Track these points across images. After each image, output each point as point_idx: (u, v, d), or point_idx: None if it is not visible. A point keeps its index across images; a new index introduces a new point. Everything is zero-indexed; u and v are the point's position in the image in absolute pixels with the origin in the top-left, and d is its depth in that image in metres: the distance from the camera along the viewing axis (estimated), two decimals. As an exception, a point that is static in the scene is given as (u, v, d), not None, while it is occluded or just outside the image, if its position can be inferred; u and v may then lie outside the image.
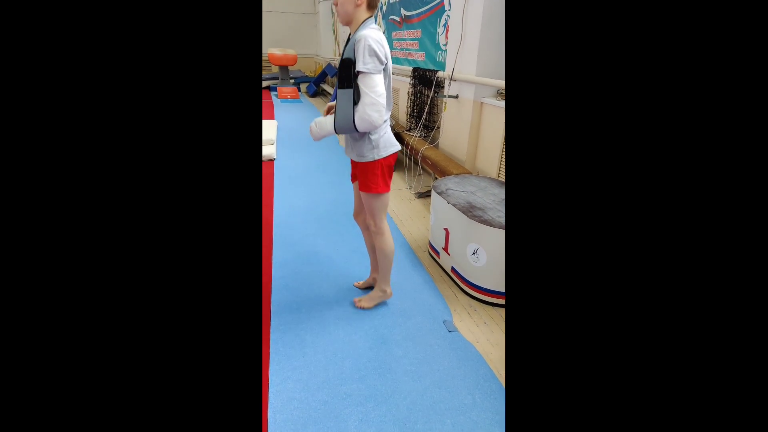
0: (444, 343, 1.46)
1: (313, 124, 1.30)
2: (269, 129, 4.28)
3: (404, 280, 1.84)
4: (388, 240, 1.45)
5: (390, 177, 1.36)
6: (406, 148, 3.30)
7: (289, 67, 9.01)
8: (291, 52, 8.55)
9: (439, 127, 3.14)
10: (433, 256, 2.04)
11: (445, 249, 1.85)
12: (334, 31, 9.02)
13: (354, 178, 1.47)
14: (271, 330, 1.49)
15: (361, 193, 1.38)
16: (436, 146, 3.12)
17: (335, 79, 7.55)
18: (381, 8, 5.35)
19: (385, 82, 1.18)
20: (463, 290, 1.78)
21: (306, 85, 9.05)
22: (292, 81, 9.12)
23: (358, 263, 1.96)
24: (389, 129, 1.32)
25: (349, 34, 1.22)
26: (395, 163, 1.36)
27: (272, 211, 2.57)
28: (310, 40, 11.68)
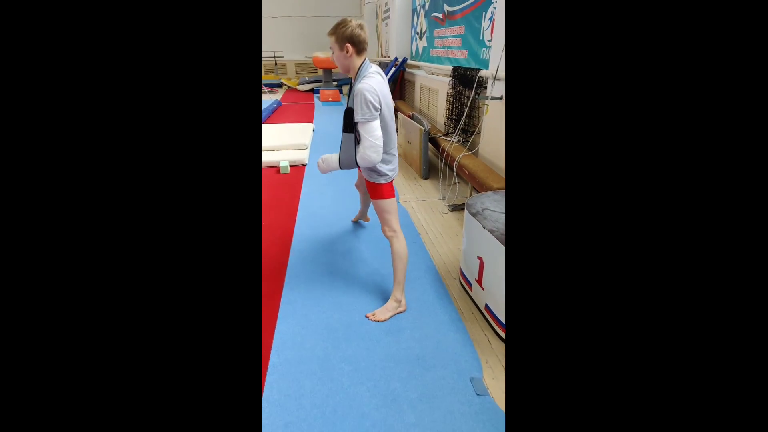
0: (470, 410, 1.17)
1: (320, 160, 1.52)
2: (304, 133, 4.19)
3: (427, 314, 1.57)
4: (403, 242, 1.53)
5: (393, 189, 1.54)
6: (442, 154, 3.01)
7: (333, 70, 9.05)
8: (334, 54, 8.52)
9: (479, 132, 2.82)
10: (464, 286, 1.75)
11: (479, 282, 1.55)
12: (377, 32, 8.90)
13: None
14: (268, 372, 1.30)
15: (372, 201, 1.54)
16: (476, 154, 2.79)
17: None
18: (423, 5, 5.13)
19: (386, 122, 1.37)
20: (499, 335, 1.47)
21: (348, 86, 8.99)
22: (335, 83, 9.14)
23: (375, 291, 1.73)
24: (395, 160, 1.50)
25: (351, 82, 1.39)
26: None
27: (294, 221, 2.42)
28: (355, 42, 11.65)
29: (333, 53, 1.37)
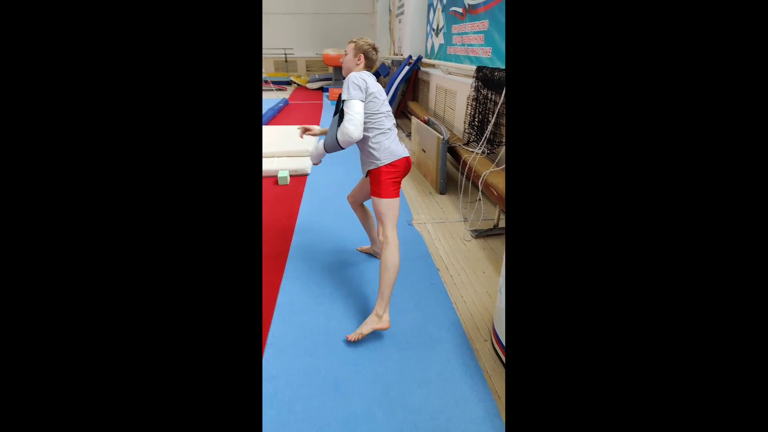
0: None
1: (313, 150, 1.61)
2: (310, 139, 3.81)
3: (453, 406, 1.16)
4: (394, 253, 1.43)
5: (397, 185, 1.51)
6: (463, 167, 2.61)
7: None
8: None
9: (508, 144, 2.41)
10: (499, 355, 1.36)
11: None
12: (390, 29, 8.52)
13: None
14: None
15: (372, 198, 1.53)
16: (504, 170, 2.39)
17: (387, 79, 7.05)
18: (441, 1, 4.74)
19: (379, 101, 1.47)
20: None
21: (358, 86, 8.62)
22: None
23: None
24: (391, 143, 1.50)
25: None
26: (407, 170, 1.53)
27: (289, 244, 2.06)
28: (367, 39, 11.32)
29: (346, 55, 1.56)
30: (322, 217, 2.42)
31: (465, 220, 2.43)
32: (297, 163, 3.25)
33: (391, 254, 1.41)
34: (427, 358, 1.33)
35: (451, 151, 2.92)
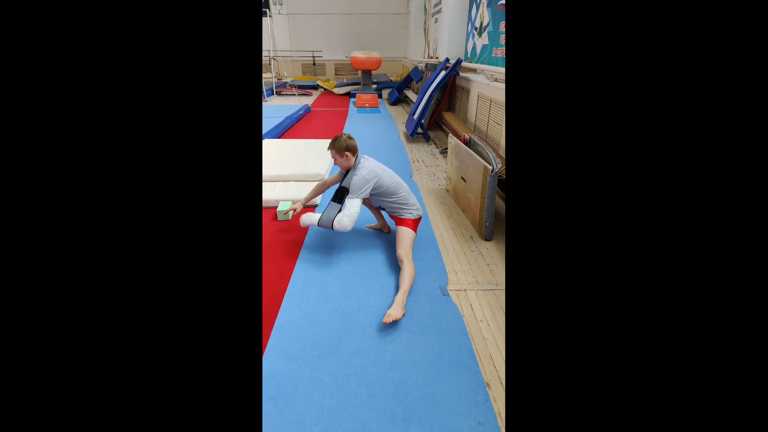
0: None
1: (305, 216, 1.93)
2: (322, 156, 3.19)
3: None
4: (413, 269, 1.70)
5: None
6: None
7: (373, 71, 8.10)
8: (375, 54, 7.59)
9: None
10: None
11: None
12: (425, 29, 7.88)
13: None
14: None
15: (398, 226, 1.89)
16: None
17: (420, 85, 6.40)
18: (487, -7, 4.06)
19: (384, 185, 1.86)
20: None
21: (388, 91, 8.03)
22: (374, 86, 8.19)
23: None
24: (412, 206, 1.91)
25: (347, 170, 1.92)
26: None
27: (281, 302, 1.45)
28: (399, 41, 10.79)
29: (335, 160, 1.90)
30: (327, 268, 1.79)
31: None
32: (306, 191, 2.62)
33: (412, 269, 1.70)
34: None
35: (501, 183, 2.22)
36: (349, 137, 1.86)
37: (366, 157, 1.91)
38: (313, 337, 1.42)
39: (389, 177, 1.88)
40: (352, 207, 1.78)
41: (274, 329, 1.45)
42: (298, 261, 1.93)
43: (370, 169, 1.81)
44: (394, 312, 1.47)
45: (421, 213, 1.93)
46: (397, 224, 1.88)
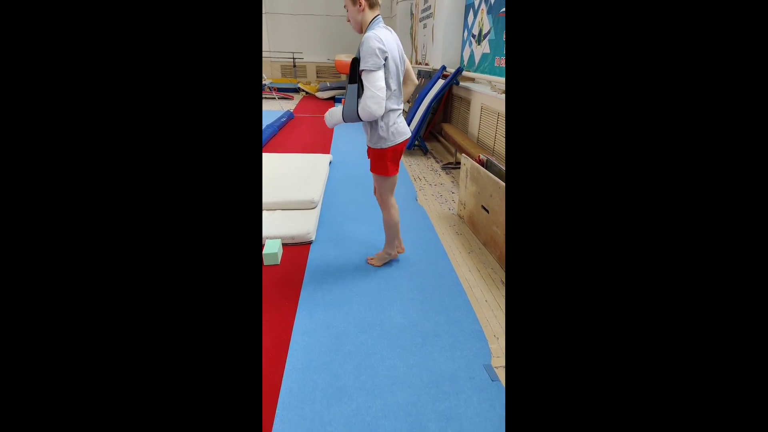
0: None
1: (327, 114, 1.56)
2: (315, 177, 2.71)
3: None
4: (394, 214, 1.75)
5: (398, 161, 1.64)
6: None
7: (357, 77, 7.70)
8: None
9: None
10: None
11: None
12: (411, 34, 7.57)
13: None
14: None
15: (375, 174, 1.67)
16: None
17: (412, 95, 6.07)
18: (486, 1, 3.78)
19: (390, 74, 1.44)
20: None
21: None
22: (358, 92, 7.78)
23: None
24: (399, 119, 1.56)
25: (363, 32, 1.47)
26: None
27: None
28: (383, 45, 10.42)
29: (348, 11, 1.46)
30: (327, 344, 1.38)
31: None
32: (297, 223, 2.17)
33: (392, 216, 1.75)
34: None
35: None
36: None
37: (386, 26, 1.48)
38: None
39: (394, 63, 1.46)
40: (372, 86, 1.38)
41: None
42: (293, 337, 1.50)
43: (377, 37, 1.37)
44: (373, 261, 1.89)
45: (408, 135, 1.61)
46: (375, 169, 1.66)
